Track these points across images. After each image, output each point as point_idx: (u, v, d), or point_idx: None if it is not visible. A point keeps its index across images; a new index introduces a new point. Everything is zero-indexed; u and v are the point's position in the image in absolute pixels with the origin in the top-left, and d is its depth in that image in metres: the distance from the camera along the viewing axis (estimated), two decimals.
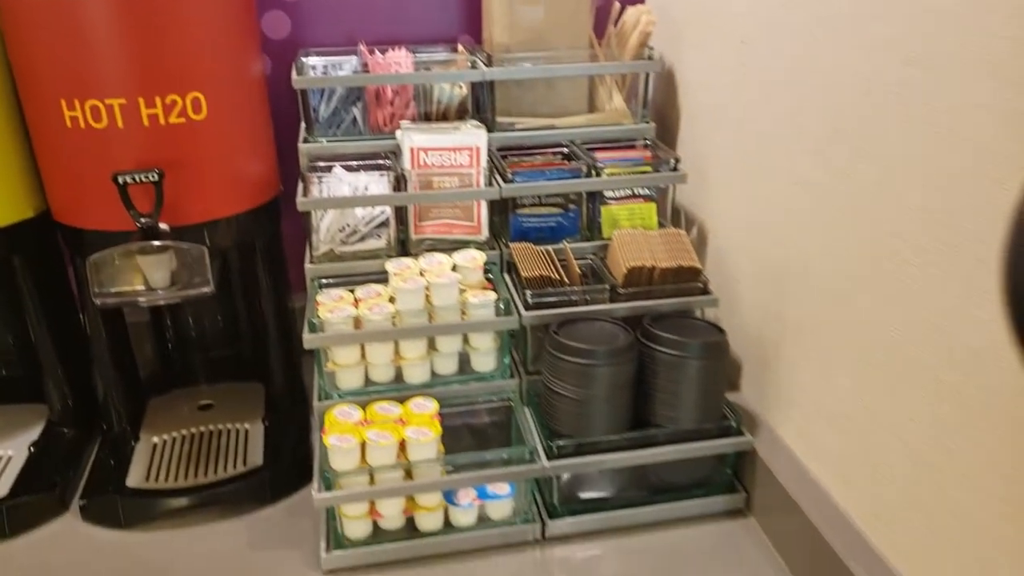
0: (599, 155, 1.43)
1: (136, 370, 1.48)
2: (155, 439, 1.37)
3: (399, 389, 1.25)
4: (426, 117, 1.43)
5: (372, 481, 1.14)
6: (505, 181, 1.33)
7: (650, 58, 1.45)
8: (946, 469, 0.87)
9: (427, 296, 1.23)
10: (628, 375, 1.18)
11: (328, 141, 1.40)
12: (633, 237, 1.32)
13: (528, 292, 1.26)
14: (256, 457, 1.32)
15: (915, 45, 0.84)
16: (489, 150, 1.39)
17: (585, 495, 1.25)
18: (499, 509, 1.21)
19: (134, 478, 1.28)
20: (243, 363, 1.54)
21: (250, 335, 1.54)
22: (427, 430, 1.14)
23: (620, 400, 1.19)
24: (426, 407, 1.20)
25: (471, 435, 1.31)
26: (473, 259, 1.29)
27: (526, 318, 1.24)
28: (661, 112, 1.55)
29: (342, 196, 1.29)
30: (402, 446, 1.15)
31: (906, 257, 0.90)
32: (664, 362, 1.19)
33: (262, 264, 1.37)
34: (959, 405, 0.84)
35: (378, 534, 1.19)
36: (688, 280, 1.29)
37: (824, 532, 1.07)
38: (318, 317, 1.19)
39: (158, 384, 1.53)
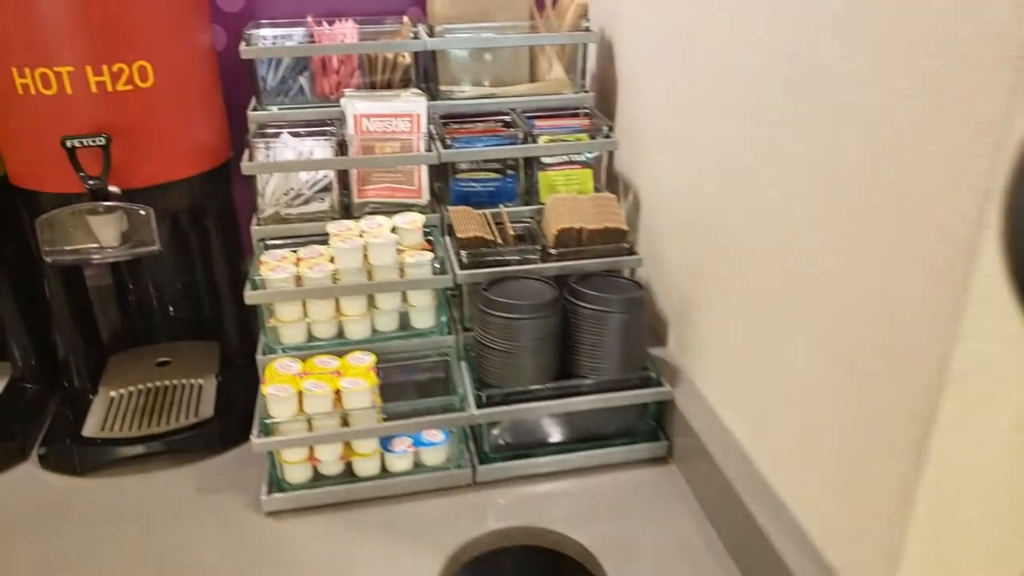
0: (541, 123, 1.49)
1: (97, 330, 1.55)
2: (112, 393, 1.44)
3: (341, 345, 1.32)
4: (372, 86, 1.49)
5: (310, 428, 1.21)
6: (444, 147, 1.40)
7: (587, 29, 1.50)
8: (836, 421, 0.94)
9: (365, 256, 1.29)
10: (552, 328, 1.25)
11: (279, 109, 1.46)
12: (565, 201, 1.39)
13: (463, 252, 1.33)
14: (208, 409, 1.40)
15: (849, 21, 0.89)
16: (432, 118, 1.45)
17: (515, 442, 1.32)
18: (433, 456, 1.28)
19: (90, 428, 1.35)
20: (201, 323, 1.61)
21: (207, 296, 1.60)
22: (361, 380, 1.21)
23: (545, 352, 1.26)
24: (363, 360, 1.26)
25: (413, 389, 1.38)
26: (412, 221, 1.35)
27: (460, 277, 1.31)
28: (603, 82, 1.61)
29: (283, 160, 1.35)
30: (339, 396, 1.22)
31: (802, 220, 0.96)
32: (587, 317, 1.25)
33: (214, 227, 1.44)
34: (851, 362, 0.90)
35: (318, 479, 1.26)
36: (615, 241, 1.35)
37: (730, 476, 1.14)
38: (260, 275, 1.26)
39: (120, 343, 1.60)
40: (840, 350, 0.90)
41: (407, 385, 1.38)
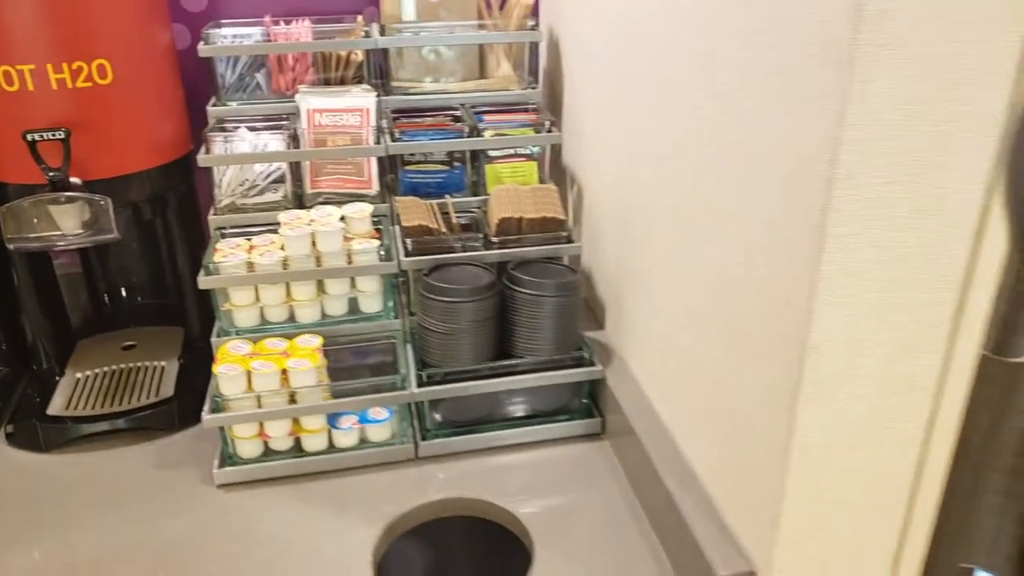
0: (490, 118, 1.56)
1: (66, 316, 1.62)
2: (79, 375, 1.51)
3: (293, 328, 1.39)
4: (326, 82, 1.56)
5: (259, 405, 1.28)
6: (392, 140, 1.47)
7: (533, 28, 1.58)
8: (733, 396, 1.01)
9: (314, 243, 1.36)
10: (489, 311, 1.32)
11: (238, 104, 1.54)
12: (507, 192, 1.46)
13: (408, 240, 1.40)
14: (168, 389, 1.47)
15: (739, 25, 0.97)
16: (385, 113, 1.53)
17: (456, 419, 1.40)
18: (378, 432, 1.36)
19: (54, 407, 1.43)
20: (167, 309, 1.68)
21: (172, 283, 1.67)
22: (307, 360, 1.29)
23: (483, 334, 1.33)
24: (310, 342, 1.34)
25: (362, 370, 1.46)
26: (360, 210, 1.42)
27: (405, 263, 1.38)
28: (552, 79, 1.68)
29: (236, 154, 1.42)
30: (286, 375, 1.29)
31: (703, 211, 1.04)
32: (523, 300, 1.33)
33: (176, 217, 1.51)
34: (744, 341, 0.98)
35: (268, 454, 1.33)
36: (553, 230, 1.42)
37: (650, 450, 1.21)
38: (213, 262, 1.33)
39: (89, 329, 1.67)
40: (735, 330, 0.97)
41: (357, 367, 1.46)
